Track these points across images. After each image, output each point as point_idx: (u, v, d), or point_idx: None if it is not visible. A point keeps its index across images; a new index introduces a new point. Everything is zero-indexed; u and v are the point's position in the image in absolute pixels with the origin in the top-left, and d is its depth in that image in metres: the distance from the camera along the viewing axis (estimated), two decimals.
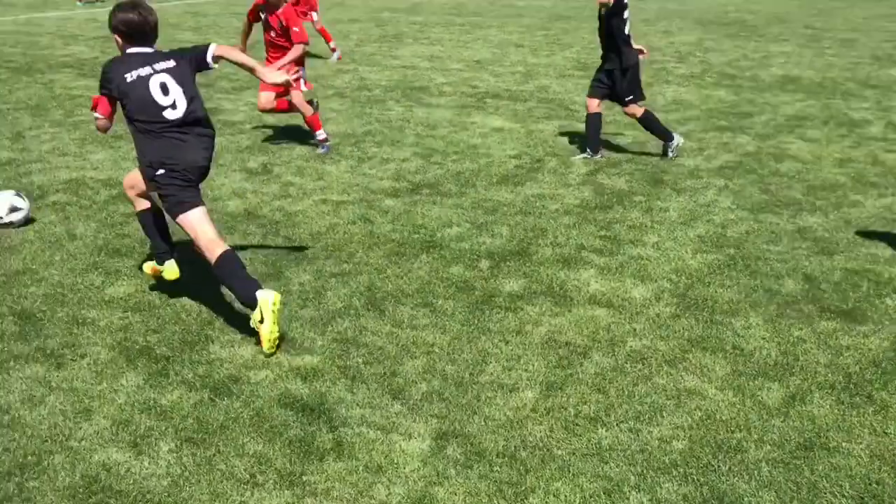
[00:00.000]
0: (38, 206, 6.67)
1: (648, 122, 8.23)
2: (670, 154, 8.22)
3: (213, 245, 4.66)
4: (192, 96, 4.74)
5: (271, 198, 7.03)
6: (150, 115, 4.64)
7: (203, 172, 4.85)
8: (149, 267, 5.22)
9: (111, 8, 4.84)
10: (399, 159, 8.25)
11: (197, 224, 4.71)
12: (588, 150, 8.24)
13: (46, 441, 3.73)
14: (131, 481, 3.48)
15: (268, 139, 8.92)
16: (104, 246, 5.90)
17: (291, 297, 5.15)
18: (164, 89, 4.66)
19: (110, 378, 4.25)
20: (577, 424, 3.90)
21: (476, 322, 4.89)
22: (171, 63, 4.76)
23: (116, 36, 4.77)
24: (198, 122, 4.77)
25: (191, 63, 4.84)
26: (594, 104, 8.16)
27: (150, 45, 4.80)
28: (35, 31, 17.91)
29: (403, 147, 8.70)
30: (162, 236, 5.12)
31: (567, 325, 4.86)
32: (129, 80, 4.63)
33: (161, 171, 4.67)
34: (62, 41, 16.34)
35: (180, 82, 4.71)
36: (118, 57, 4.81)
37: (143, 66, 4.68)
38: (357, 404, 4.04)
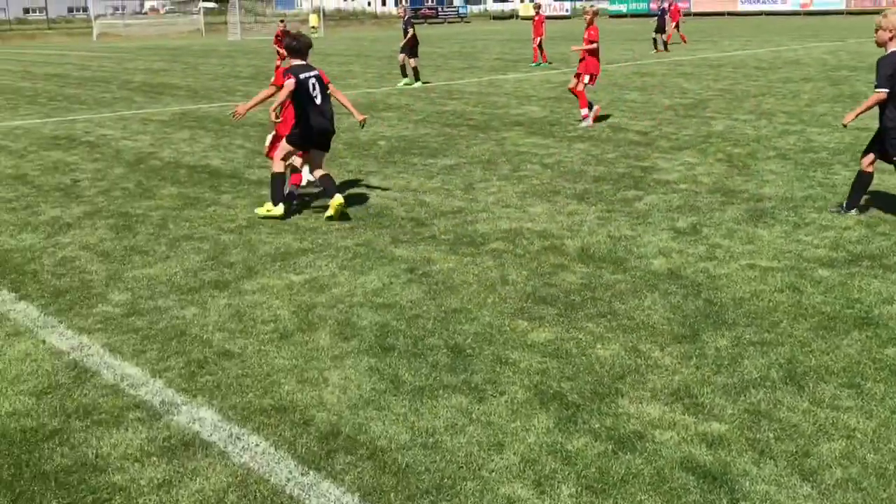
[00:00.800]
0: (478, 252, 7.30)
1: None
2: (834, 209, 8.29)
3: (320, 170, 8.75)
4: (325, 95, 8.46)
5: (696, 259, 6.97)
6: (306, 100, 8.30)
7: (328, 135, 8.68)
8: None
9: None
10: (840, 227, 7.74)
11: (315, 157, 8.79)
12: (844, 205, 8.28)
13: (462, 468, 4.05)
14: None
15: (699, 199, 8.87)
16: (532, 293, 6.27)
17: (706, 362, 5.07)
18: (314, 87, 8.34)
19: (524, 417, 4.50)
20: None
21: None
22: (317, 73, 8.47)
23: (287, 52, 8.55)
24: (327, 109, 8.50)
25: (324, 81, 8.55)
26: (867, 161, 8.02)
27: (305, 59, 8.49)
28: (494, 91, 19.63)
29: (846, 214, 8.14)
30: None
31: None
32: (302, 77, 8.27)
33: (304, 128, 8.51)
34: (517, 101, 17.73)
35: (320, 86, 8.42)
36: (293, 65, 8.37)
37: (306, 71, 8.36)
38: (762, 479, 3.86)
